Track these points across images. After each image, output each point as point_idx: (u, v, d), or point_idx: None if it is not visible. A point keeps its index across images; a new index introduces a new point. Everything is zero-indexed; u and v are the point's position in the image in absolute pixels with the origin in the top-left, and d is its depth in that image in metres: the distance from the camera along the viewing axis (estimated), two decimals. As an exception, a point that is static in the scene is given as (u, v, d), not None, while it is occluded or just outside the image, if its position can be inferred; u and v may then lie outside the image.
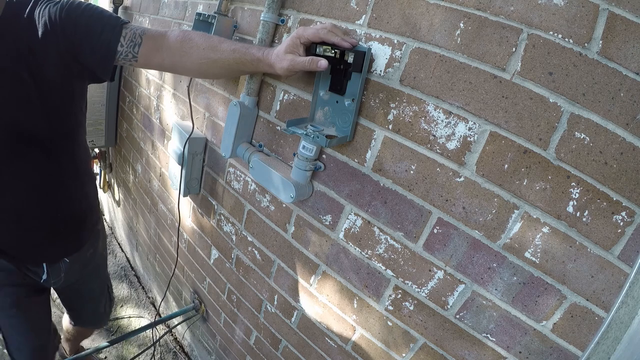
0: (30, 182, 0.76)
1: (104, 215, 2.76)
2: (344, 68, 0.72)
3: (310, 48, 0.73)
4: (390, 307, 0.81)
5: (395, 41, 0.71)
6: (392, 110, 0.73)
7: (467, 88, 0.64)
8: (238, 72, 0.89)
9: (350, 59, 0.70)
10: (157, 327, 1.86)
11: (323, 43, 0.71)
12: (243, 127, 1.01)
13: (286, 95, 0.94)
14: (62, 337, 1.50)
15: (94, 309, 1.26)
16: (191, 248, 1.51)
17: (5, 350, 1.45)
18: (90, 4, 0.73)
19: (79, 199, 0.90)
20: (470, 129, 0.65)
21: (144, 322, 1.96)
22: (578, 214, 0.57)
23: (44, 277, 0.91)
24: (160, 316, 1.96)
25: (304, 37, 0.70)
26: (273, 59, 0.72)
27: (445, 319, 0.74)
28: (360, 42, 0.74)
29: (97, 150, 2.30)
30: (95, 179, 0.98)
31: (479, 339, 0.70)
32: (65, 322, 1.44)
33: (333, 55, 0.70)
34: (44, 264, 0.89)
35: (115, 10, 1.87)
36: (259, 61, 0.74)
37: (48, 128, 0.73)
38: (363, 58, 0.70)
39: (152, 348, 1.77)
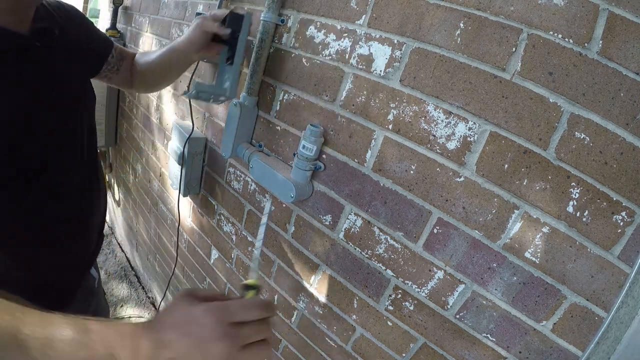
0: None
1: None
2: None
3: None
4: (390, 307, 0.81)
5: (395, 41, 0.71)
6: (392, 110, 0.73)
7: (467, 88, 0.64)
8: (178, 68, 1.00)
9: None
10: (157, 327, 1.85)
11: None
12: (243, 127, 1.02)
13: (286, 95, 0.94)
14: None
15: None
16: (191, 248, 1.51)
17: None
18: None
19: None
20: (470, 129, 0.65)
21: (144, 322, 1.96)
22: (578, 214, 0.57)
23: None
24: (160, 316, 1.96)
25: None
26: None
27: (445, 319, 0.74)
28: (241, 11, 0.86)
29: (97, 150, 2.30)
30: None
31: (479, 339, 0.70)
32: None
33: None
34: None
35: (115, 10, 1.87)
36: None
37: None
38: (238, 19, 0.85)
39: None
